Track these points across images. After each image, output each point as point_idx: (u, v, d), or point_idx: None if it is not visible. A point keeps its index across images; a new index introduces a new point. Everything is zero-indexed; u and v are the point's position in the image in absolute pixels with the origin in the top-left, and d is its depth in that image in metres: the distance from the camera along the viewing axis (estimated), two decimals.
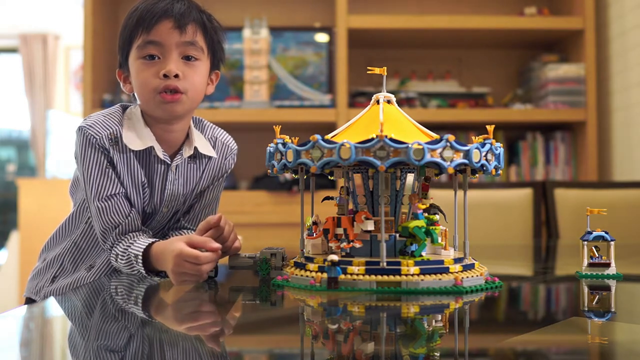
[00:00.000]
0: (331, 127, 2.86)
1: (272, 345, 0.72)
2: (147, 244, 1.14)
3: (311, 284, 0.94)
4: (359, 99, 2.98)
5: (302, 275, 0.97)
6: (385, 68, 1.07)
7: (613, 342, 0.73)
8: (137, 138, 1.21)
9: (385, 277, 0.92)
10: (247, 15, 3.02)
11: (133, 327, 0.81)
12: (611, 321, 0.82)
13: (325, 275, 0.93)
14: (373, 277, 0.92)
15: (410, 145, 0.89)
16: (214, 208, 1.38)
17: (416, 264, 0.93)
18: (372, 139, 0.89)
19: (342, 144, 0.90)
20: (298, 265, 1.02)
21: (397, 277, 0.92)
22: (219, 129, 1.38)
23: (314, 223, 1.06)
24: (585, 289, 1.04)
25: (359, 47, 3.08)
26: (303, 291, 0.95)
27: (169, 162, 1.24)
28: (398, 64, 3.18)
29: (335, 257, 0.92)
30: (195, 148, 1.27)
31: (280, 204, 2.84)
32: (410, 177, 1.03)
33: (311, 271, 0.97)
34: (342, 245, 0.98)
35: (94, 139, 1.18)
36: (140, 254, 1.13)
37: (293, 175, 1.06)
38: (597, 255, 1.09)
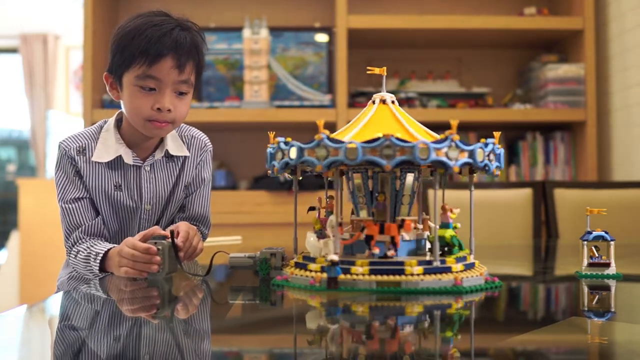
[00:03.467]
0: (331, 127, 2.86)
1: (272, 345, 0.72)
2: (110, 246, 1.24)
3: (311, 284, 0.94)
4: (358, 99, 2.98)
5: (302, 275, 0.97)
6: (385, 68, 1.07)
7: (613, 342, 0.73)
8: (107, 151, 1.34)
9: (385, 277, 0.92)
10: (247, 15, 3.02)
11: (129, 326, 0.81)
12: (611, 321, 0.82)
13: (325, 275, 0.93)
14: (373, 277, 0.92)
15: (416, 145, 0.89)
16: (204, 204, 1.45)
17: (419, 263, 0.93)
18: (379, 138, 0.89)
19: (349, 144, 0.90)
20: (299, 265, 1.02)
21: (397, 277, 0.92)
22: (196, 129, 1.48)
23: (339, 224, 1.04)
24: (585, 289, 1.04)
25: (359, 47, 3.08)
26: (303, 291, 0.95)
27: (140, 165, 1.35)
28: (398, 64, 3.18)
29: (335, 257, 0.92)
30: (167, 151, 1.38)
31: (280, 204, 2.84)
32: (410, 177, 1.03)
33: (312, 271, 0.97)
34: (389, 253, 0.97)
35: (64, 151, 1.34)
36: (102, 252, 1.23)
37: (289, 176, 1.05)
38: (597, 255, 1.09)
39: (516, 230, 2.36)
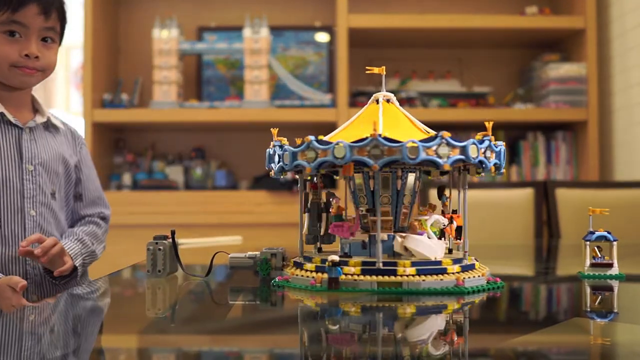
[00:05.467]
0: (332, 126, 2.86)
1: (273, 345, 0.72)
2: None
3: (312, 285, 0.93)
4: (359, 98, 2.97)
5: (302, 276, 0.96)
6: (384, 67, 1.06)
7: (615, 343, 0.72)
8: None
9: (387, 278, 0.91)
10: (248, 14, 3.01)
11: (130, 328, 0.80)
12: (614, 322, 0.81)
13: (325, 275, 0.92)
14: (374, 277, 0.91)
15: (404, 144, 0.88)
16: (96, 186, 1.52)
17: (413, 264, 0.92)
18: (366, 138, 0.89)
19: (336, 144, 0.89)
20: (299, 265, 1.01)
21: (399, 278, 0.91)
22: None
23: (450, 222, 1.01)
24: (588, 290, 1.03)
25: (360, 47, 3.08)
26: (303, 292, 0.94)
27: (21, 126, 1.36)
28: (399, 63, 3.18)
29: (335, 258, 0.91)
30: (49, 118, 1.41)
31: (280, 204, 2.83)
32: (411, 177, 1.02)
33: (308, 270, 0.96)
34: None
35: None
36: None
37: (297, 175, 1.05)
38: (599, 256, 1.09)
39: (518, 231, 2.35)
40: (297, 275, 0.98)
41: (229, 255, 1.13)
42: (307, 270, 0.97)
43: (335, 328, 0.76)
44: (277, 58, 3.11)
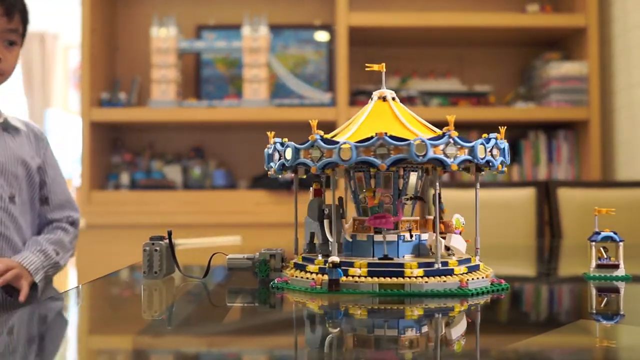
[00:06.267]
0: (331, 126, 2.84)
1: (272, 348, 0.70)
2: None
3: (312, 287, 0.91)
4: (359, 97, 2.96)
5: (302, 277, 0.95)
6: (384, 64, 1.05)
7: (621, 346, 0.71)
8: None
9: (388, 279, 0.89)
10: (247, 12, 3.00)
11: (130, 330, 0.79)
12: (620, 324, 0.80)
13: (326, 277, 0.90)
14: (375, 279, 0.90)
15: (412, 142, 0.86)
16: (64, 189, 1.49)
17: (460, 263, 0.92)
18: (371, 137, 0.87)
19: (343, 144, 0.87)
20: (298, 266, 0.99)
21: (401, 279, 0.89)
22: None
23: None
24: (593, 291, 1.02)
25: (360, 45, 3.06)
26: (303, 293, 0.92)
27: None
28: (399, 62, 3.16)
29: (336, 259, 0.90)
30: (6, 119, 1.40)
31: (280, 204, 2.82)
32: (413, 177, 1.00)
33: (311, 272, 0.94)
34: None
35: None
36: None
37: (293, 174, 1.03)
38: (605, 257, 1.07)
39: (519, 231, 2.34)
40: (296, 276, 0.96)
41: (227, 257, 1.12)
42: (310, 272, 0.94)
43: (336, 331, 0.75)
44: (277, 57, 3.09)
